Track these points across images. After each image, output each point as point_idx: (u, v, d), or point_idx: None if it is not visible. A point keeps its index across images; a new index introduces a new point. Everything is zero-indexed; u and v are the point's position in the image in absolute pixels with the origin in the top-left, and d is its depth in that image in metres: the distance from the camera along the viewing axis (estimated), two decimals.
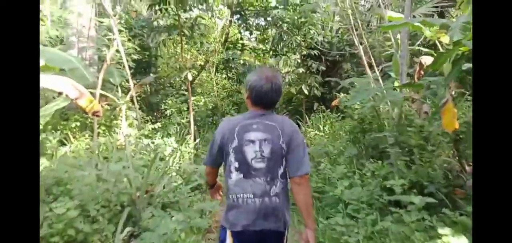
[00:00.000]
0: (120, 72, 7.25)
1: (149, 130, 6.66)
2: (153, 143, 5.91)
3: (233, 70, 10.87)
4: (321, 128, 8.20)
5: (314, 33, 9.00)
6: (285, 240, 1.75)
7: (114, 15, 6.81)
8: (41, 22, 8.52)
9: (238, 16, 11.29)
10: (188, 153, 6.15)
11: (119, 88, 6.85)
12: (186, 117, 7.51)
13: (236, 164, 1.67)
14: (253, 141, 1.65)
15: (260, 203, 1.64)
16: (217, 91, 10.16)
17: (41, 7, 9.04)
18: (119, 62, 7.58)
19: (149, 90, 9.78)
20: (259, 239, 1.67)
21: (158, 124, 6.96)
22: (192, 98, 7.65)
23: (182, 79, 8.56)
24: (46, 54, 3.25)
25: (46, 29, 8.28)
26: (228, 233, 1.69)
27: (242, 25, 11.41)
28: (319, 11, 9.09)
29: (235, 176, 1.67)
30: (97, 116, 4.84)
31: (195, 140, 6.88)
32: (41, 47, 3.64)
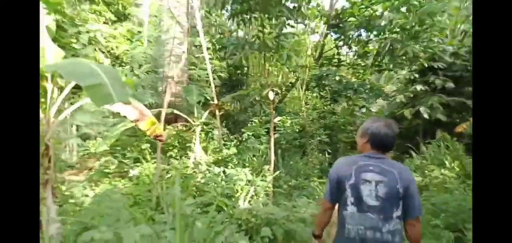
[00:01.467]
0: (201, 91, 6.77)
1: (225, 155, 5.87)
2: (224, 173, 5.02)
3: (326, 88, 9.41)
4: (447, 164, 6.01)
5: (437, 41, 6.83)
6: None
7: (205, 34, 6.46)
8: (139, 43, 9.08)
9: (336, 28, 10.00)
10: (265, 188, 5.01)
11: (196, 107, 6.30)
12: (267, 142, 6.46)
13: (352, 199, 1.85)
14: (369, 181, 1.83)
15: (371, 236, 1.79)
16: (307, 111, 8.85)
17: (143, 29, 9.86)
18: (206, 80, 7.18)
19: (237, 107, 9.32)
20: None
21: (234, 149, 6.06)
22: (278, 118, 6.57)
23: (263, 98, 7.74)
24: (70, 67, 2.44)
25: (144, 48, 8.62)
26: None
27: (340, 38, 10.02)
28: (449, 11, 6.84)
29: (350, 209, 1.85)
30: (160, 140, 4.21)
31: (275, 170, 5.71)
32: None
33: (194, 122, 5.89)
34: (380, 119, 1.96)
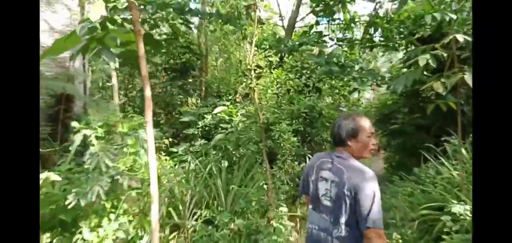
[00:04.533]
0: None
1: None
2: None
3: (303, 68, 6.95)
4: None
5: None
6: None
7: None
8: None
9: None
10: None
11: None
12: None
13: (312, 196, 1.83)
14: (326, 180, 1.75)
15: (324, 238, 1.72)
16: (277, 102, 6.26)
17: None
18: None
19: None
20: None
21: None
22: (219, 109, 4.14)
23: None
24: None
25: None
26: None
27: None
28: None
29: (310, 206, 1.84)
30: None
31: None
32: None
33: None
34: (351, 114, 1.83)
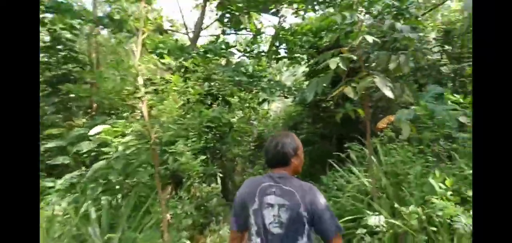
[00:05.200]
0: None
1: None
2: None
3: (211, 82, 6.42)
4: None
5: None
6: None
7: None
8: None
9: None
10: None
11: None
12: None
13: (256, 228, 1.61)
14: (272, 205, 1.59)
15: None
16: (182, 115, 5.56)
17: None
18: None
19: None
20: None
21: None
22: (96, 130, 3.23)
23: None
24: None
25: None
26: None
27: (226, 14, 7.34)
28: None
29: (254, 239, 1.62)
30: None
31: None
32: None
33: None
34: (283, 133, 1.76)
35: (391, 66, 2.48)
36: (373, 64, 3.25)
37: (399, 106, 4.90)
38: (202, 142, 5.34)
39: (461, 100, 3.82)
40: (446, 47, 7.45)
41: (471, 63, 6.42)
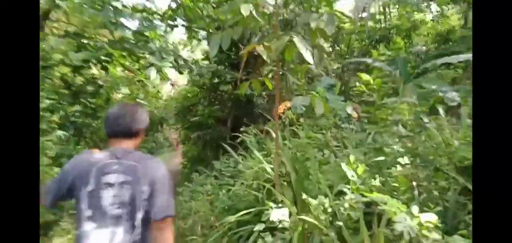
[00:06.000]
0: None
1: None
2: None
3: None
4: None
5: None
6: None
7: None
8: None
9: None
10: None
11: None
12: None
13: (89, 212, 1.40)
14: (112, 184, 1.42)
15: None
16: None
17: None
18: None
19: None
20: None
21: None
22: None
23: None
24: None
25: None
26: None
27: None
28: None
29: (87, 226, 1.39)
30: None
31: None
32: None
33: None
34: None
35: (313, 25, 2.05)
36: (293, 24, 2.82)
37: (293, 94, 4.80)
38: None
39: None
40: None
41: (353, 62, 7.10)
